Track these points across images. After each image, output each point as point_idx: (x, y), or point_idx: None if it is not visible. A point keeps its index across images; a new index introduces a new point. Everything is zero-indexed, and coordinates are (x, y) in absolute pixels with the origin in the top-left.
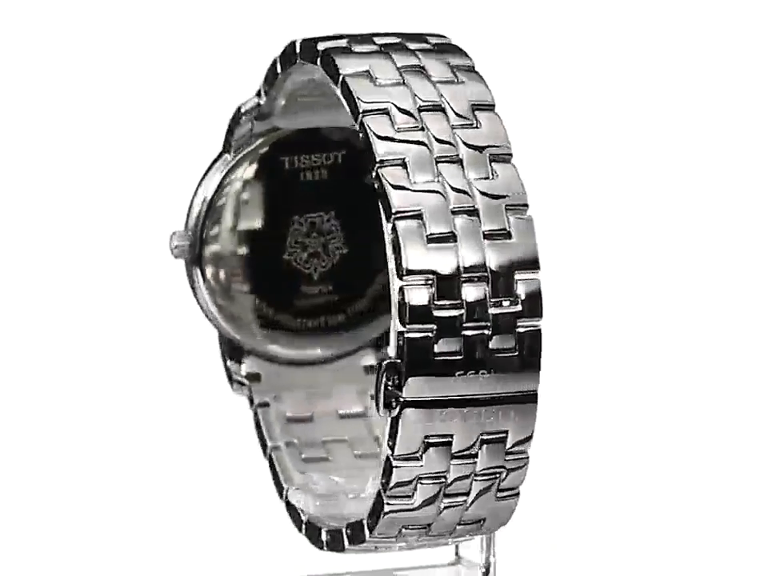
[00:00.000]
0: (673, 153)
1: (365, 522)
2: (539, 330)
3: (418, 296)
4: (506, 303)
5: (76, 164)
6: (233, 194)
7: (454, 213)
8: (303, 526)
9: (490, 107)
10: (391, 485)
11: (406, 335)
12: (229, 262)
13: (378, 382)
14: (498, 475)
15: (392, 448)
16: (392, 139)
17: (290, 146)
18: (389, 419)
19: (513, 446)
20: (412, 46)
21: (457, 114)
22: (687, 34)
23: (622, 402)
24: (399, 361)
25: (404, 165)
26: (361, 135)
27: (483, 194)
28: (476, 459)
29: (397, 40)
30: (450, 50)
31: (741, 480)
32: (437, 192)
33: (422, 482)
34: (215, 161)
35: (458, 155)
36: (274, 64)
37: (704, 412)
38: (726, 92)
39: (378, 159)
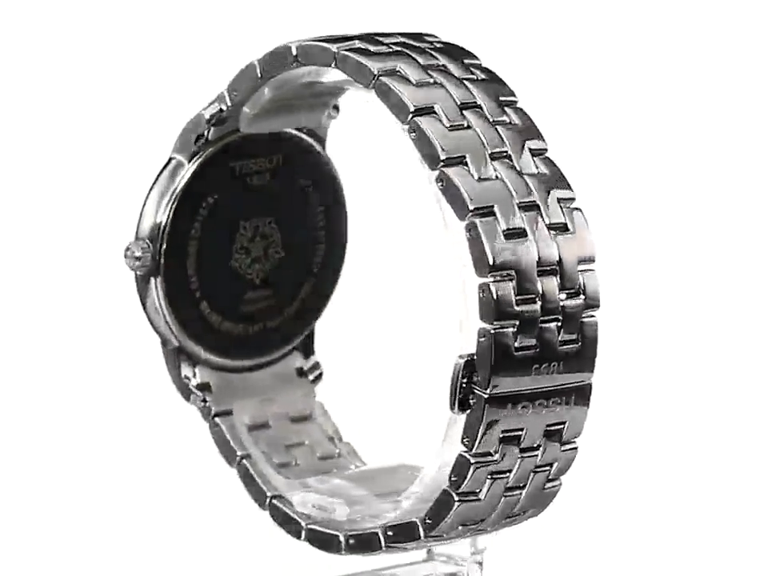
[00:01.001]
0: (672, 145)
1: (418, 522)
2: (597, 320)
3: (503, 292)
4: (572, 295)
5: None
6: (190, 202)
7: (518, 208)
8: (304, 533)
9: (514, 103)
10: (466, 483)
11: (492, 332)
12: (186, 272)
13: (455, 380)
14: (551, 466)
15: (470, 446)
16: (448, 138)
17: (240, 151)
18: (464, 417)
19: (567, 437)
20: (420, 45)
21: (491, 112)
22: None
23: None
24: (476, 357)
25: (465, 163)
26: (413, 134)
27: (537, 188)
28: (538, 452)
29: (401, 39)
30: (455, 48)
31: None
32: (502, 188)
33: (491, 477)
34: (165, 167)
35: (506, 151)
36: (251, 68)
37: (714, 410)
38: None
39: (441, 158)
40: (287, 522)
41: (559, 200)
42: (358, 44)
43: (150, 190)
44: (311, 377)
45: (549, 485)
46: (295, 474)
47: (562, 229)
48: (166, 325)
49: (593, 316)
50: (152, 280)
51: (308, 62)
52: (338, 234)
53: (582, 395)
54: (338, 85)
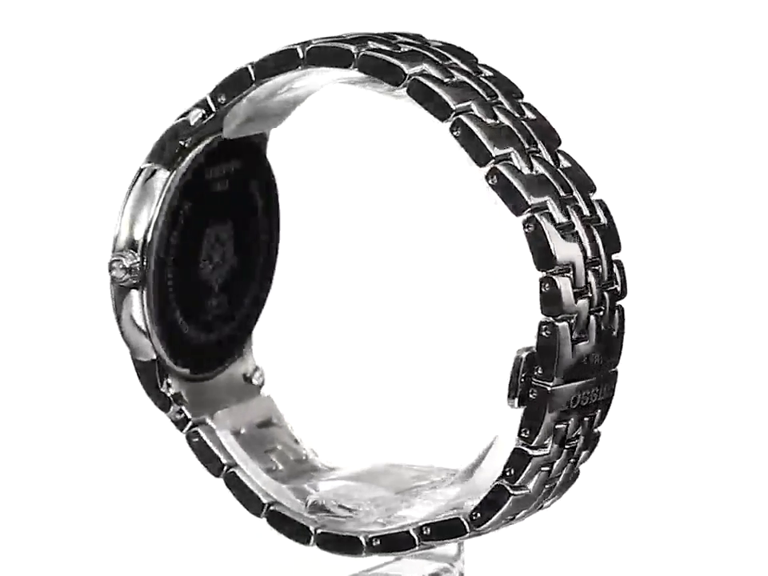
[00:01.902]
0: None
1: (462, 518)
2: (624, 309)
3: (565, 285)
4: (607, 286)
5: None
6: (171, 210)
7: (562, 202)
8: (314, 537)
9: (522, 98)
10: (523, 476)
11: (556, 325)
12: (166, 282)
13: (516, 374)
14: (579, 456)
15: (529, 439)
16: (492, 135)
17: (209, 157)
18: (522, 409)
19: (596, 427)
20: (424, 44)
21: (511, 109)
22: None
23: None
24: (536, 351)
25: (511, 160)
26: (456, 132)
27: (570, 182)
28: (577, 441)
29: (402, 39)
30: (453, 47)
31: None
32: (548, 183)
33: (542, 469)
34: (138, 175)
35: (538, 146)
36: (242, 72)
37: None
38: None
39: (494, 155)
40: (291, 528)
41: (589, 192)
42: (372, 44)
43: (127, 200)
44: (256, 382)
45: (573, 472)
46: (281, 478)
47: (596, 221)
48: (145, 337)
49: (621, 306)
50: (133, 292)
51: (317, 64)
52: (274, 237)
53: (611, 383)
54: (314, 89)
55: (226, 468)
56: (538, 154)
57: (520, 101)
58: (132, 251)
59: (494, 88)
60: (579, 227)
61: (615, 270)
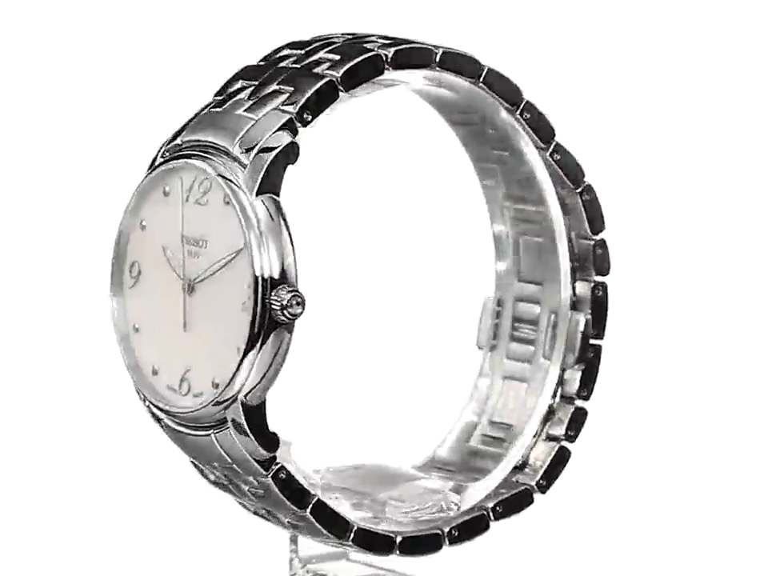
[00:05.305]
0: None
1: (529, 488)
2: None
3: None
4: None
5: None
6: None
7: None
8: (397, 547)
9: None
10: (580, 432)
11: (607, 284)
12: None
13: (581, 336)
14: None
15: (587, 396)
16: None
17: None
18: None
19: None
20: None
21: None
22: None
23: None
24: (592, 312)
25: None
26: (527, 116)
27: None
28: None
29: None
30: None
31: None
32: None
33: None
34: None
35: None
36: (328, 86)
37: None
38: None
39: (555, 132)
40: (377, 543)
41: None
42: (431, 46)
43: (266, 234)
44: None
45: None
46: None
47: None
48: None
49: None
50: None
51: (400, 66)
52: None
53: None
54: None
55: (315, 499)
56: None
57: None
58: (291, 284)
59: None
60: None
61: None
